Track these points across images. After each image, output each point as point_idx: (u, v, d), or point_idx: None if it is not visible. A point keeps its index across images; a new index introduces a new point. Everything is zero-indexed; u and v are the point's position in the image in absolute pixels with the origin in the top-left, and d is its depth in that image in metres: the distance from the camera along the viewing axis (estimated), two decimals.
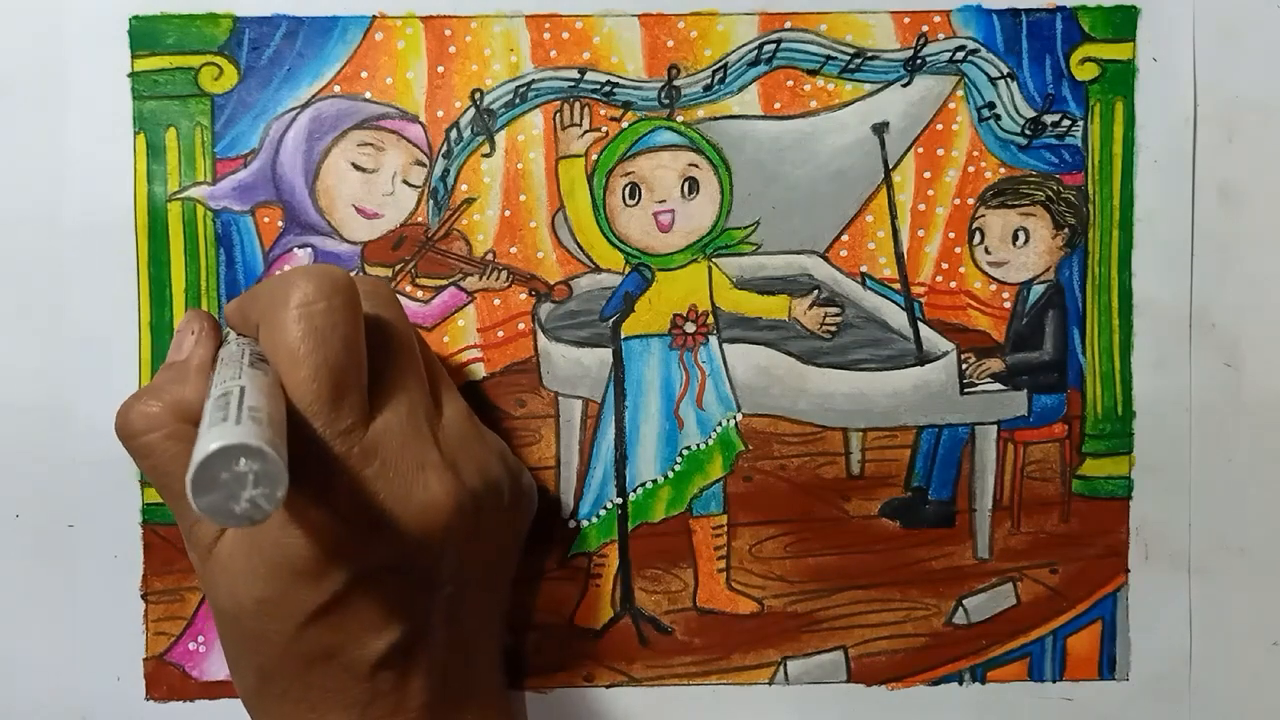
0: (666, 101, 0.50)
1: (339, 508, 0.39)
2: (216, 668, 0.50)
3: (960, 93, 0.50)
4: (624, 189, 0.50)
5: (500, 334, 0.50)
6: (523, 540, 0.49)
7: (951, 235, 0.51)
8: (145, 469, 0.42)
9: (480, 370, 0.50)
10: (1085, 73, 0.50)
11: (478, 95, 0.50)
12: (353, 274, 0.44)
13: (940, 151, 0.50)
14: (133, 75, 0.49)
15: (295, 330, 0.39)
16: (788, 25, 0.50)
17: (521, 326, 0.50)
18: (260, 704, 0.43)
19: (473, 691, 0.46)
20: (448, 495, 0.41)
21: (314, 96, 0.49)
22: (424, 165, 0.50)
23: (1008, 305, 0.51)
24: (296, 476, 0.35)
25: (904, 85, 0.50)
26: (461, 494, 0.42)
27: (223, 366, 0.40)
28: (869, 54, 0.50)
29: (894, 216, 0.51)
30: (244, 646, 0.42)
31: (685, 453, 0.51)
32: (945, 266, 0.51)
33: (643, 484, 0.51)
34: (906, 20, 0.50)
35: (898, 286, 0.51)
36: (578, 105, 0.50)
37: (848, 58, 0.50)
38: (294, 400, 0.39)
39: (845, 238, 0.51)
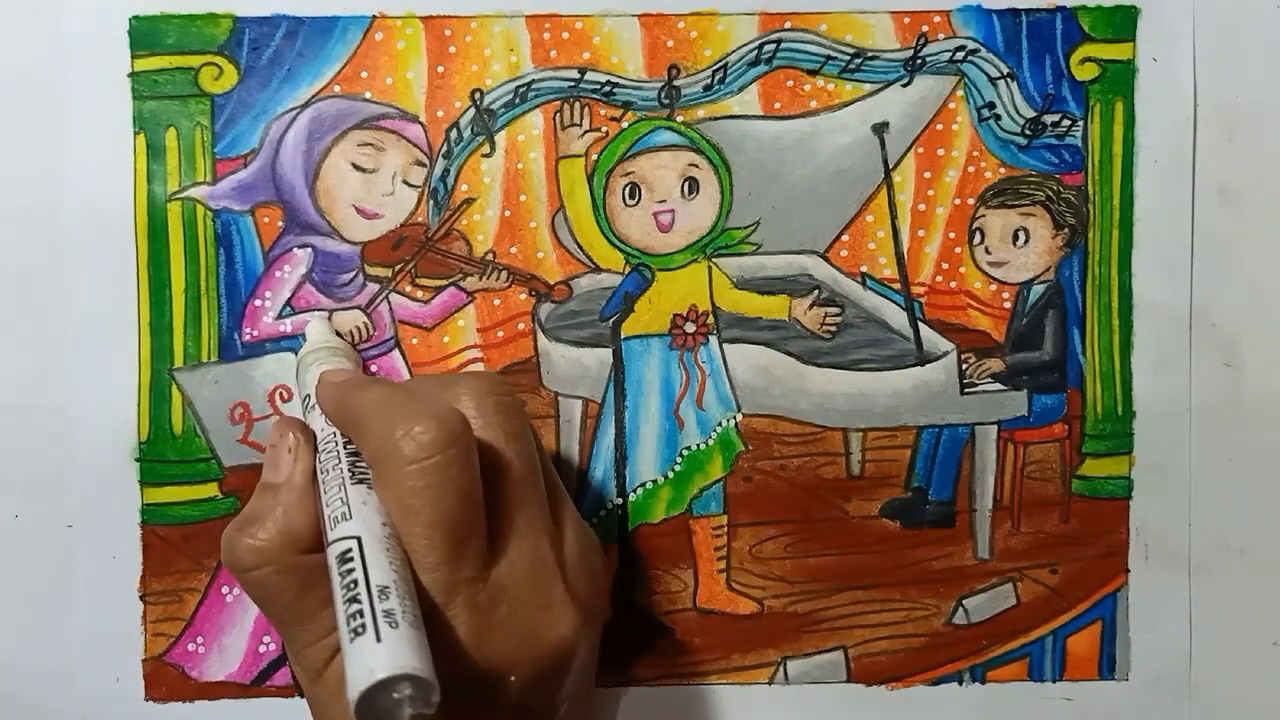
0: (666, 101, 0.50)
1: (465, 658, 0.38)
2: (215, 668, 0.50)
3: (960, 93, 0.50)
4: (624, 189, 0.50)
5: (500, 334, 0.50)
6: (609, 594, 0.49)
7: (952, 235, 0.51)
8: (255, 599, 0.41)
9: (480, 370, 0.50)
10: (1085, 73, 0.50)
11: (478, 95, 0.50)
12: (465, 382, 0.42)
13: (940, 151, 0.50)
14: (133, 75, 0.49)
15: (409, 487, 0.37)
16: (788, 25, 0.50)
17: (521, 326, 0.50)
18: None
19: None
20: (575, 630, 0.40)
21: (314, 96, 0.49)
22: (424, 165, 0.50)
23: (1008, 305, 0.51)
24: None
25: (904, 85, 0.50)
26: (585, 622, 0.41)
27: (325, 483, 0.40)
28: (869, 54, 0.50)
29: (894, 216, 0.51)
30: None
31: (685, 453, 0.51)
32: (945, 266, 0.51)
33: (643, 484, 0.51)
34: (906, 20, 0.50)
35: (898, 286, 0.51)
36: (578, 105, 0.50)
37: (848, 58, 0.50)
38: (410, 552, 0.38)
39: (845, 238, 0.51)
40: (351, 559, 0.36)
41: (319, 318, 0.50)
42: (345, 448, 0.41)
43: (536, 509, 0.41)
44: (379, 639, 0.34)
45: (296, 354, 0.49)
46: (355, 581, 0.35)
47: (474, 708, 0.39)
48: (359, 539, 0.37)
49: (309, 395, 0.45)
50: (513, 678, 0.39)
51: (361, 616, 0.34)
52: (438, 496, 0.37)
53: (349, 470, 0.40)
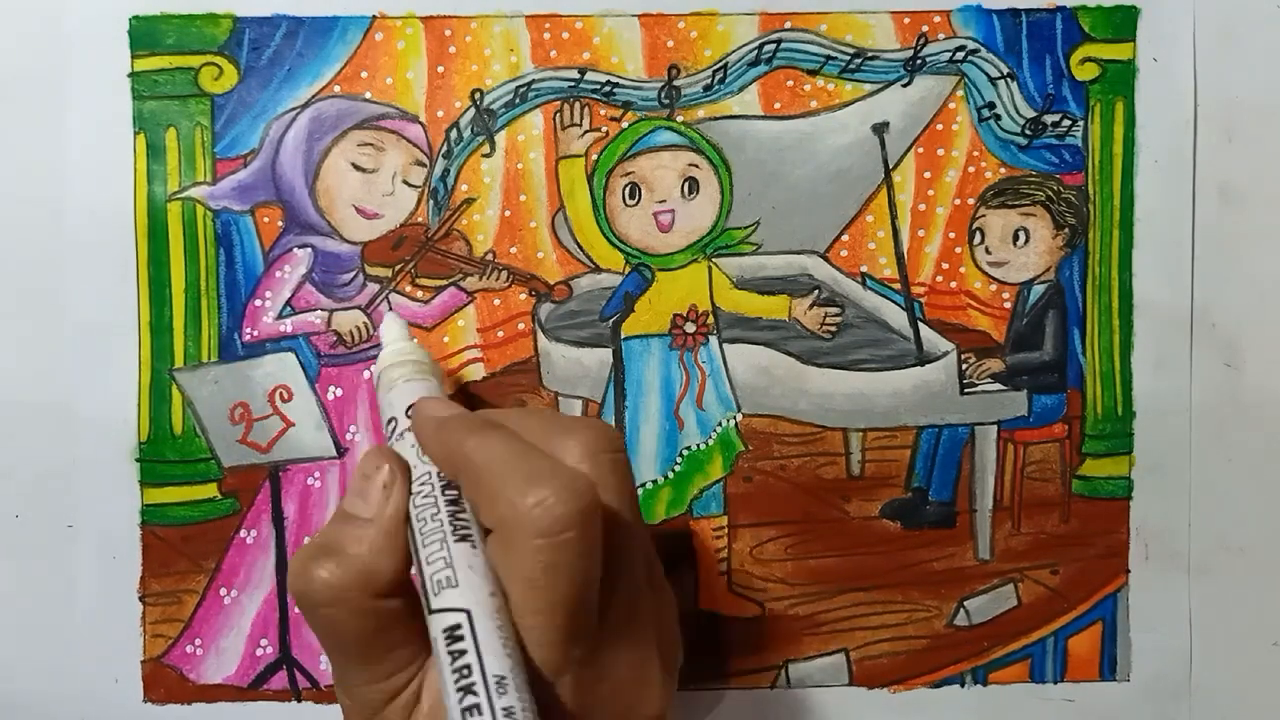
0: (666, 101, 0.50)
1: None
2: (213, 671, 0.50)
3: (960, 93, 0.50)
4: (624, 189, 0.50)
5: (500, 334, 0.50)
6: None
7: (952, 235, 0.51)
8: (317, 632, 0.38)
9: (480, 370, 0.50)
10: (1085, 73, 0.50)
11: (478, 95, 0.50)
12: (577, 420, 0.41)
13: (940, 151, 0.51)
14: (133, 75, 0.49)
15: (538, 563, 0.35)
16: (788, 25, 0.50)
17: (521, 326, 0.50)
18: None
19: None
20: (665, 702, 0.39)
21: (314, 96, 0.49)
22: (424, 165, 0.50)
23: (1008, 305, 0.51)
24: None
25: (904, 85, 0.50)
26: (672, 688, 0.40)
27: (423, 533, 0.37)
28: (869, 54, 0.50)
29: (894, 216, 0.51)
30: None
31: (685, 453, 0.51)
32: (945, 266, 0.51)
33: (643, 484, 0.51)
34: (906, 20, 0.50)
35: (898, 286, 0.51)
36: (578, 105, 0.50)
37: (848, 58, 0.50)
38: (522, 630, 0.36)
39: (845, 238, 0.51)
40: (462, 637, 0.34)
41: (393, 318, 0.48)
42: (444, 493, 0.39)
43: (643, 583, 0.39)
44: None
45: (374, 363, 0.48)
46: (469, 669, 0.34)
47: None
48: (468, 613, 0.35)
49: (395, 420, 0.42)
50: None
51: (479, 713, 0.33)
52: (567, 575, 0.35)
53: (450, 523, 0.38)
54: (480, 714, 0.33)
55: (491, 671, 0.34)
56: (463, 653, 0.34)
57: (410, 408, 0.42)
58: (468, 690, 0.33)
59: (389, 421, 0.43)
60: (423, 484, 0.39)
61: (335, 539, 0.39)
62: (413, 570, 0.38)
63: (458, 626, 0.34)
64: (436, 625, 0.35)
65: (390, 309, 0.50)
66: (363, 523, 0.39)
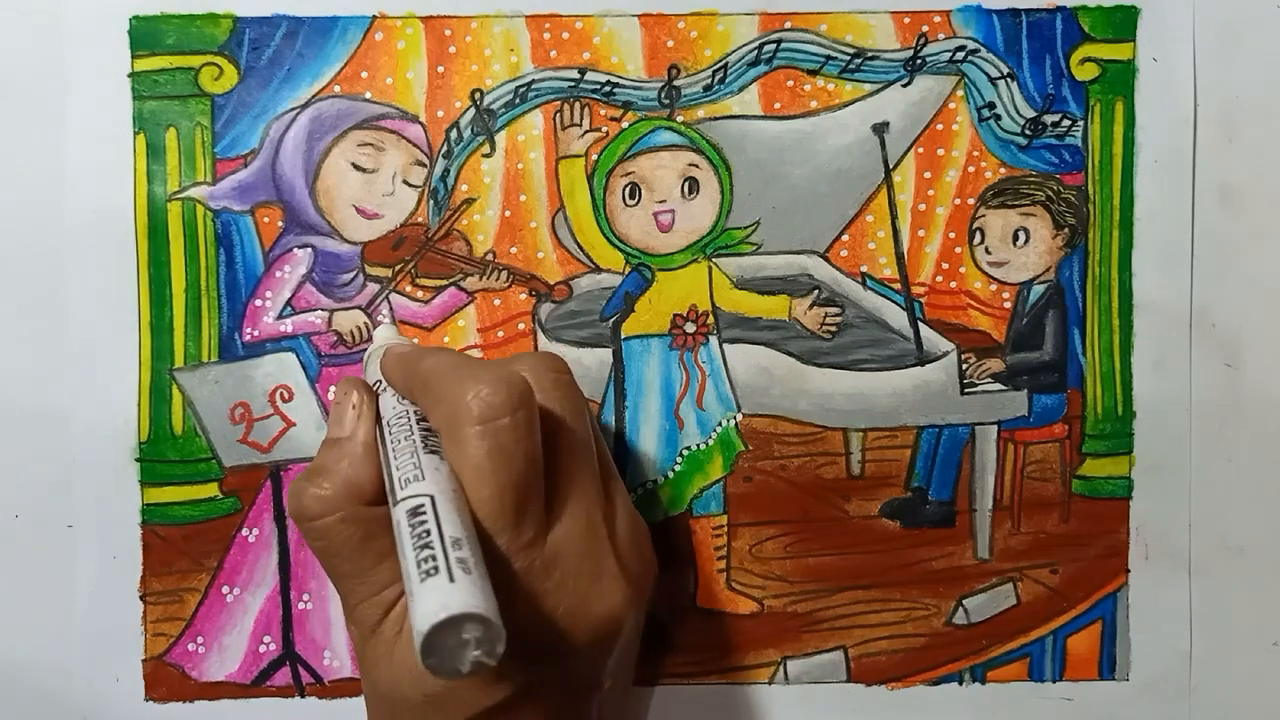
0: (666, 101, 0.50)
1: (517, 620, 0.38)
2: (215, 668, 0.50)
3: (960, 93, 0.50)
4: (624, 189, 0.50)
5: (500, 334, 0.50)
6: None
7: (952, 235, 0.51)
8: (316, 549, 0.42)
9: None
10: (1085, 73, 0.50)
11: (478, 95, 0.50)
12: (527, 360, 0.43)
13: (940, 151, 0.50)
14: (133, 75, 0.49)
15: (480, 448, 0.38)
16: (788, 25, 0.50)
17: (521, 326, 0.50)
18: None
19: None
20: (624, 604, 0.41)
21: (314, 96, 0.49)
22: (424, 165, 0.50)
23: (1008, 305, 0.51)
24: None
25: (904, 85, 0.50)
26: (634, 598, 0.42)
27: (396, 450, 0.40)
28: (869, 54, 0.50)
29: (894, 216, 0.51)
30: None
31: (685, 453, 0.51)
32: (945, 266, 0.51)
33: (643, 484, 0.51)
34: (906, 20, 0.50)
35: (898, 286, 0.51)
36: (578, 105, 0.50)
37: (848, 58, 0.50)
38: (477, 515, 0.38)
39: (845, 238, 0.51)
40: (424, 512, 0.36)
41: (387, 324, 0.50)
42: (419, 422, 0.41)
43: (590, 482, 0.42)
44: (452, 579, 0.34)
45: (363, 358, 0.49)
46: (428, 531, 0.35)
47: (525, 668, 0.39)
48: (431, 496, 0.37)
49: (379, 380, 0.45)
50: (560, 644, 0.40)
51: (435, 560, 0.34)
52: (507, 458, 0.38)
53: (422, 441, 0.40)
54: (435, 561, 0.35)
55: (449, 534, 0.35)
56: (424, 523, 0.36)
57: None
58: (425, 546, 0.35)
59: (376, 384, 0.45)
60: (399, 417, 0.42)
61: (321, 461, 0.42)
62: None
63: (421, 506, 0.37)
64: (402, 510, 0.37)
65: (390, 310, 0.50)
66: (342, 442, 0.42)
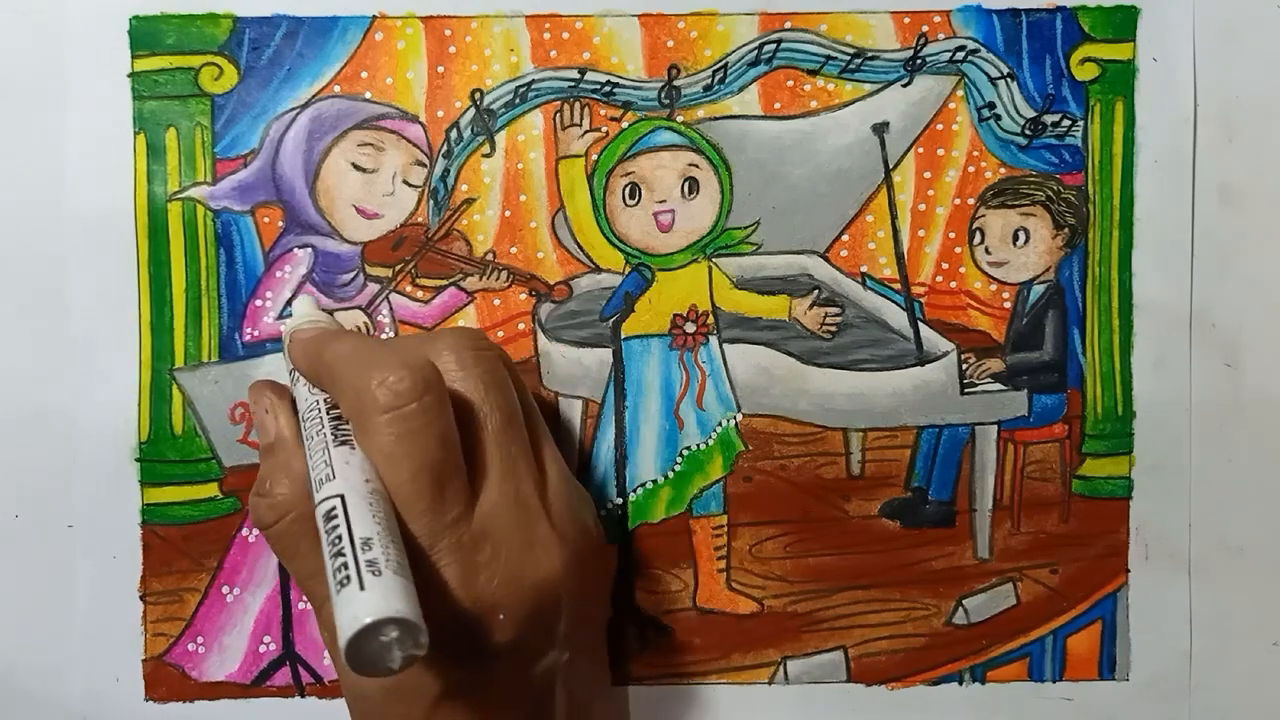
0: (666, 101, 0.50)
1: (453, 598, 0.39)
2: (215, 668, 0.50)
3: (960, 93, 0.50)
4: (624, 189, 0.50)
5: (500, 334, 0.50)
6: (610, 590, 0.50)
7: (952, 235, 0.51)
8: (278, 554, 0.43)
9: None
10: (1085, 73, 0.50)
11: (478, 95, 0.50)
12: (443, 334, 0.44)
13: (940, 151, 0.50)
14: (133, 75, 0.49)
15: (389, 435, 0.39)
16: (788, 25, 0.50)
17: (521, 326, 0.50)
18: None
19: None
20: (560, 569, 0.41)
21: (314, 96, 0.49)
22: (424, 165, 0.50)
23: (1008, 305, 0.51)
24: (411, 570, 0.36)
25: (904, 85, 0.50)
26: (571, 563, 0.42)
27: (310, 447, 0.41)
28: (869, 54, 0.50)
29: (894, 216, 0.51)
30: None
31: (685, 453, 0.51)
32: (945, 266, 0.51)
33: (643, 484, 0.51)
34: (906, 20, 0.50)
35: (898, 286, 0.51)
36: (578, 105, 0.50)
37: (848, 58, 0.50)
38: (395, 500, 0.39)
39: (845, 238, 0.51)
40: (335, 515, 0.37)
41: (304, 296, 0.50)
42: (329, 413, 0.42)
43: (519, 453, 0.42)
44: (363, 587, 0.35)
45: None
46: (340, 537, 0.36)
47: (466, 647, 0.40)
48: (342, 496, 0.38)
49: (292, 370, 0.45)
50: (501, 616, 0.40)
51: (346, 569, 0.35)
52: (418, 443, 0.39)
53: (332, 434, 0.41)
54: (347, 569, 0.35)
55: (359, 535, 0.36)
56: (336, 528, 0.37)
57: None
58: (338, 554, 0.36)
59: (291, 373, 0.46)
60: (311, 409, 0.43)
61: (263, 472, 0.44)
62: None
63: (333, 509, 0.37)
64: (319, 515, 0.38)
65: (391, 308, 0.50)
66: (272, 447, 0.44)
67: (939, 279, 0.51)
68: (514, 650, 0.41)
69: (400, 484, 0.39)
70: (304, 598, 0.50)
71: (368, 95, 0.49)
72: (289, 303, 0.50)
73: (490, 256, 0.50)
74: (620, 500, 0.51)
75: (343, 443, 0.40)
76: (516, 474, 0.42)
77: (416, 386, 0.39)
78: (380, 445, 0.39)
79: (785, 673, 0.52)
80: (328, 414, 0.42)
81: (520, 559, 0.41)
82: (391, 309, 0.50)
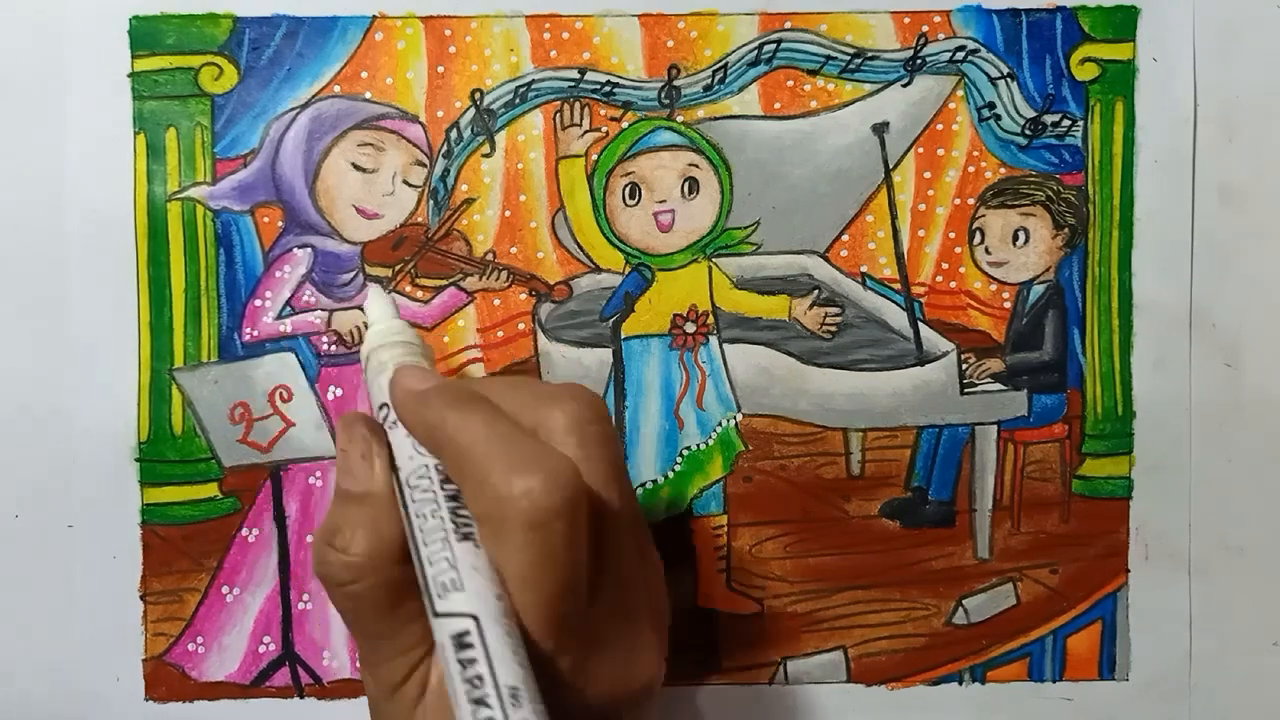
0: (666, 101, 0.50)
1: (557, 701, 0.36)
2: (215, 668, 0.50)
3: (960, 93, 0.50)
4: (624, 189, 0.50)
5: (500, 334, 0.50)
6: None
7: (952, 235, 0.51)
8: (342, 610, 0.39)
9: (480, 370, 0.50)
10: (1085, 73, 0.50)
11: (478, 95, 0.50)
12: (562, 387, 0.40)
13: (940, 151, 0.50)
14: (133, 75, 0.49)
15: (527, 555, 0.35)
16: (788, 25, 0.50)
17: (521, 327, 0.50)
18: None
19: None
20: (658, 664, 0.40)
21: (314, 96, 0.49)
22: (424, 165, 0.50)
23: (1008, 305, 0.51)
24: None
25: (904, 85, 0.50)
26: (664, 650, 0.40)
27: (423, 529, 0.37)
28: (869, 54, 0.50)
29: (894, 216, 0.51)
30: None
31: (685, 453, 0.51)
32: (945, 266, 0.51)
33: (643, 484, 0.51)
34: (906, 20, 0.50)
35: (898, 286, 0.51)
36: (578, 105, 0.50)
37: (848, 58, 0.50)
38: (521, 615, 0.35)
39: (845, 238, 0.51)
40: (471, 644, 0.34)
41: (378, 293, 0.47)
42: (443, 487, 0.38)
43: (633, 554, 0.40)
44: None
45: (362, 344, 0.46)
46: (480, 679, 0.33)
47: None
48: (476, 620, 0.34)
49: (385, 405, 0.41)
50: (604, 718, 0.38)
51: (484, 701, 0.33)
52: (557, 566, 0.35)
53: (450, 519, 0.37)
54: (483, 690, 0.33)
55: (505, 683, 0.33)
56: (473, 661, 0.33)
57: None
58: (481, 703, 0.33)
59: (380, 407, 0.42)
60: (420, 477, 0.38)
61: (341, 519, 0.39)
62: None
63: (466, 634, 0.34)
64: (443, 630, 0.35)
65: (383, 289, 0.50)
66: (355, 499, 0.39)
67: (939, 279, 0.51)
68: None
69: (528, 605, 0.35)
70: (304, 598, 0.50)
71: (368, 95, 0.49)
72: (288, 303, 0.50)
73: (490, 256, 0.50)
74: None
75: (465, 537, 0.36)
76: (633, 579, 0.39)
77: (561, 504, 0.35)
78: (515, 562, 0.35)
79: (785, 673, 0.52)
80: (441, 488, 0.38)
81: (626, 665, 0.38)
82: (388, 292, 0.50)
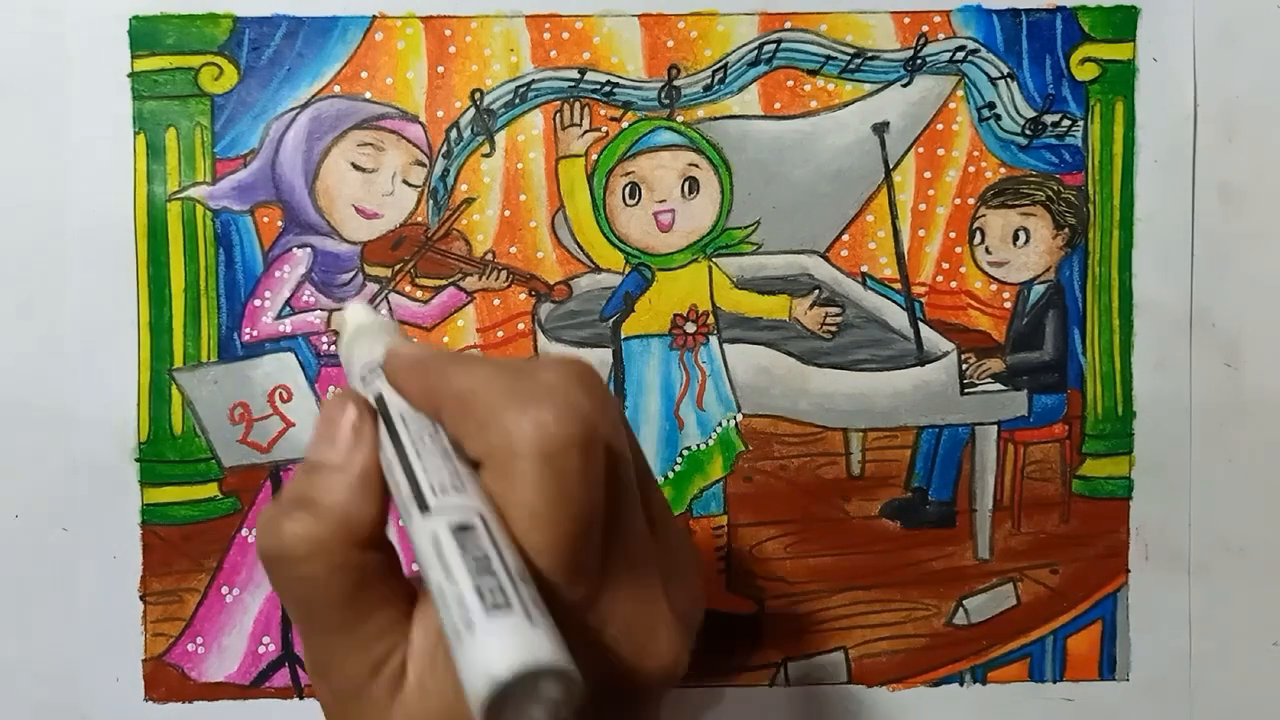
0: (666, 101, 0.50)
1: None
2: (215, 669, 0.50)
3: (960, 93, 0.50)
4: (624, 189, 0.50)
5: (500, 334, 0.50)
6: None
7: (952, 235, 0.51)
8: (292, 595, 0.34)
9: None
10: (1085, 73, 0.50)
11: (478, 95, 0.50)
12: (550, 357, 0.38)
13: (940, 151, 0.50)
14: (133, 75, 0.49)
15: (539, 488, 0.31)
16: (788, 25, 0.50)
17: (521, 326, 0.50)
18: None
19: None
20: (679, 654, 0.36)
21: (314, 96, 0.49)
22: (424, 165, 0.50)
23: (1008, 305, 0.51)
24: None
25: (904, 85, 0.50)
26: (687, 642, 0.37)
27: (420, 450, 0.33)
28: (869, 54, 0.50)
29: (894, 216, 0.51)
30: None
31: (685, 453, 0.51)
32: (946, 266, 0.51)
33: None
34: (906, 20, 0.50)
35: (898, 286, 0.51)
36: (578, 105, 0.50)
37: (848, 58, 0.50)
38: (526, 562, 0.31)
39: (846, 237, 0.51)
40: (475, 529, 0.30)
41: (358, 301, 0.43)
42: (439, 430, 0.34)
43: (640, 518, 0.36)
44: (531, 621, 0.27)
45: (337, 345, 0.44)
46: (487, 556, 0.29)
47: None
48: (482, 515, 0.30)
49: (368, 371, 0.37)
50: (618, 703, 0.35)
51: (504, 593, 0.28)
52: (573, 504, 0.32)
53: (450, 444, 0.33)
54: (505, 594, 0.28)
55: (514, 565, 0.29)
56: (479, 545, 0.29)
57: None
58: (486, 572, 0.28)
59: (362, 380, 0.37)
60: (417, 420, 0.34)
61: (306, 490, 0.34)
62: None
63: (468, 523, 0.30)
64: (440, 523, 0.30)
65: (390, 308, 0.50)
66: (333, 469, 0.34)
67: (939, 279, 0.51)
68: None
69: (538, 548, 0.31)
70: None
71: (368, 95, 0.49)
72: (287, 303, 0.50)
73: (490, 256, 0.50)
74: None
75: (466, 462, 0.33)
76: (642, 546, 0.35)
77: (578, 435, 0.32)
78: (524, 498, 0.31)
79: (786, 674, 0.52)
80: (438, 430, 0.34)
81: (642, 645, 0.35)
82: (391, 309, 0.50)
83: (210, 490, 0.50)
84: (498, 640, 0.27)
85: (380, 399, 0.36)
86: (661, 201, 0.50)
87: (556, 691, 0.27)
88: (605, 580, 0.34)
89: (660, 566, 0.36)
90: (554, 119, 0.50)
